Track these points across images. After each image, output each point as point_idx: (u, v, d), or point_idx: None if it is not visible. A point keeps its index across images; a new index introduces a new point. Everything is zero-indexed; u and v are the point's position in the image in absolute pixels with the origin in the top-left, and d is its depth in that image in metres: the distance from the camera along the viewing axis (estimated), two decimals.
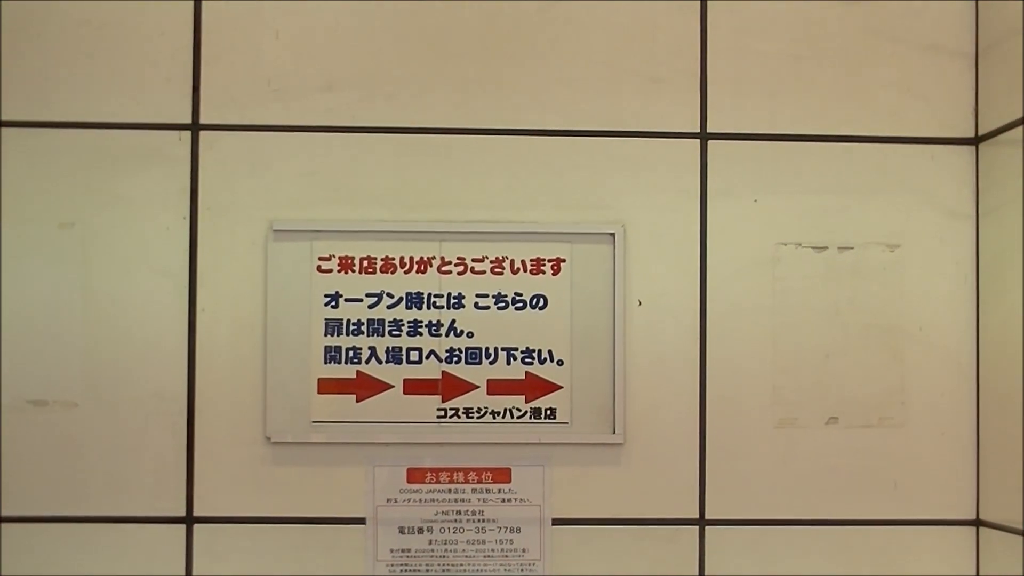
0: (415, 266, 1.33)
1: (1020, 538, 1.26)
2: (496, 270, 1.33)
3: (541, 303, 1.33)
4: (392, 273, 1.33)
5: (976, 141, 1.36)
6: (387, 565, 1.33)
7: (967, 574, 1.35)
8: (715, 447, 1.34)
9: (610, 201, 1.34)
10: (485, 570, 1.33)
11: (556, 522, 1.33)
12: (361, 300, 1.33)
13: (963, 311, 1.36)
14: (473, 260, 1.33)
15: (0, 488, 1.30)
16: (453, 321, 1.33)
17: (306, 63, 1.34)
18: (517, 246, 1.33)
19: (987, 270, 1.34)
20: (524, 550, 1.33)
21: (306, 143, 1.33)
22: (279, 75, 1.34)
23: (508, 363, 1.33)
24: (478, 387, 1.33)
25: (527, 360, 1.33)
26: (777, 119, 1.35)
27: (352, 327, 1.33)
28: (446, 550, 1.33)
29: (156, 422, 1.32)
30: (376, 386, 1.32)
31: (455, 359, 1.33)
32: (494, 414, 1.33)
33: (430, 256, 1.33)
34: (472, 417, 1.33)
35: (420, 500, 1.33)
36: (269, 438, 1.32)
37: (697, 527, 1.34)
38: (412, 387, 1.33)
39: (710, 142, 1.35)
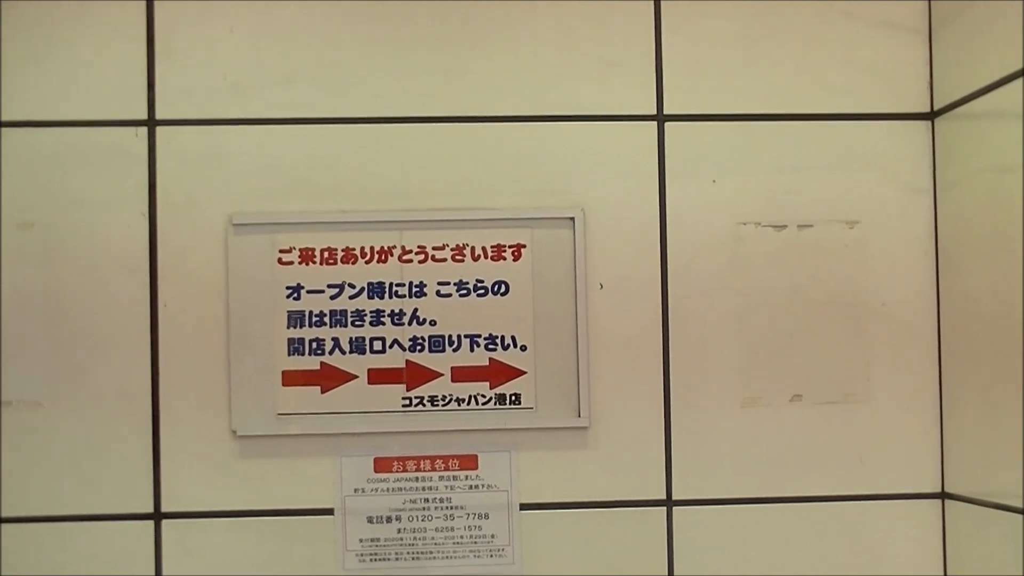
0: (376, 256, 1.33)
1: (985, 509, 1.26)
2: (457, 257, 1.34)
3: (503, 289, 1.34)
4: (353, 263, 1.33)
5: (932, 116, 1.37)
6: (357, 555, 1.33)
7: (934, 546, 1.36)
8: (680, 428, 1.34)
9: (569, 185, 1.34)
10: (455, 557, 1.34)
11: (524, 507, 1.34)
12: (323, 291, 1.33)
13: (924, 286, 1.36)
14: (434, 248, 1.33)
15: None
16: (415, 310, 1.33)
17: (262, 56, 1.34)
18: (477, 233, 1.33)
19: (947, 244, 1.35)
20: (493, 536, 1.34)
21: (264, 136, 1.33)
22: (235, 68, 1.33)
23: (472, 350, 1.33)
24: (442, 375, 1.33)
25: (491, 347, 1.33)
26: (734, 99, 1.35)
27: (315, 318, 1.33)
28: (415, 538, 1.33)
29: (121, 419, 1.31)
30: (340, 377, 1.33)
31: (419, 347, 1.33)
32: (459, 401, 1.33)
33: (391, 245, 1.33)
34: (437, 405, 1.33)
35: (388, 489, 1.33)
36: (235, 432, 1.32)
37: (665, 508, 1.34)
38: (376, 377, 1.33)
39: (667, 124, 1.35)
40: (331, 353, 1.32)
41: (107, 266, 1.32)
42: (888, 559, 1.35)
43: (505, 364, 1.33)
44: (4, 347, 1.31)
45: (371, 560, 1.33)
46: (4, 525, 1.31)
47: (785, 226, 1.35)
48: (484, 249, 1.33)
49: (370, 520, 1.33)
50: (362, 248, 1.33)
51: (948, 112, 1.33)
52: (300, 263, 1.33)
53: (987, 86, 1.24)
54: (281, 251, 1.32)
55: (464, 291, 1.33)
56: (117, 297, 1.32)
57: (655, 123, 1.35)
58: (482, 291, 1.33)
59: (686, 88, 1.35)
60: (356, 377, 1.32)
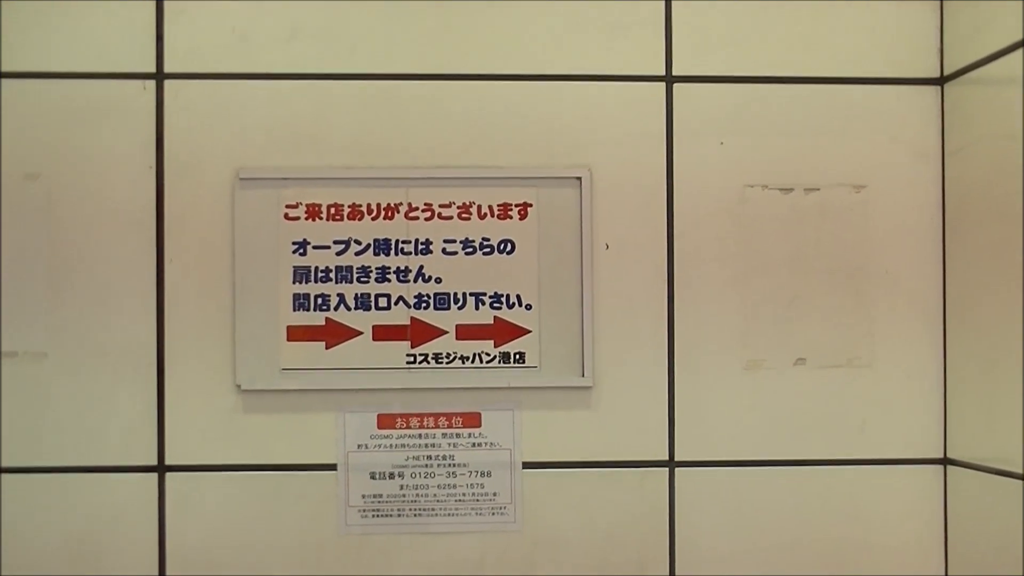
0: (382, 212, 1.33)
1: (987, 475, 1.27)
2: (463, 215, 1.33)
3: (508, 248, 1.33)
4: (359, 220, 1.33)
5: (941, 81, 1.36)
6: (359, 511, 1.33)
7: (935, 511, 1.36)
8: (684, 389, 1.34)
9: (576, 145, 1.34)
10: (456, 514, 1.34)
11: (526, 466, 1.34)
12: (329, 247, 1.33)
13: (930, 251, 1.36)
14: (440, 206, 1.33)
15: None
16: (421, 267, 1.33)
17: (270, 11, 1.33)
18: (484, 191, 1.33)
19: (953, 210, 1.34)
20: (495, 494, 1.34)
21: (272, 91, 1.33)
22: (243, 23, 1.33)
23: (476, 308, 1.33)
24: (447, 332, 1.33)
25: (495, 305, 1.33)
26: (743, 61, 1.35)
27: (320, 274, 1.33)
28: (417, 495, 1.34)
29: (126, 372, 1.32)
30: (345, 333, 1.33)
31: (424, 305, 1.33)
32: (463, 359, 1.33)
33: (397, 202, 1.33)
34: (441, 362, 1.33)
35: (391, 446, 1.34)
36: (239, 386, 1.32)
37: (667, 469, 1.35)
38: (381, 333, 1.33)
39: (675, 85, 1.35)
40: (336, 309, 1.33)
41: (113, 219, 1.32)
42: (889, 524, 1.36)
43: (510, 323, 1.33)
44: (10, 298, 1.31)
45: (373, 516, 1.33)
46: (7, 475, 1.31)
47: (792, 189, 1.35)
48: (491, 207, 1.33)
49: (372, 476, 1.34)
50: (368, 204, 1.33)
51: (958, 77, 1.33)
52: (306, 219, 1.33)
53: (997, 52, 1.23)
54: (287, 206, 1.32)
55: (470, 249, 1.33)
56: (123, 250, 1.32)
57: (663, 84, 1.35)
58: (488, 249, 1.33)
59: (695, 49, 1.35)
60: (361, 333, 1.33)
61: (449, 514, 1.34)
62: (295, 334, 1.32)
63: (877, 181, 1.35)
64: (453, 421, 1.34)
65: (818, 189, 1.35)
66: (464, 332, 1.33)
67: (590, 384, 1.33)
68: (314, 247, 1.33)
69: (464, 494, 1.34)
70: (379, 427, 1.34)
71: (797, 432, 1.35)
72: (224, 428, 1.32)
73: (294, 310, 1.32)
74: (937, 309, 1.36)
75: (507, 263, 1.33)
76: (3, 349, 1.31)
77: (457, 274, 1.33)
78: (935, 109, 1.36)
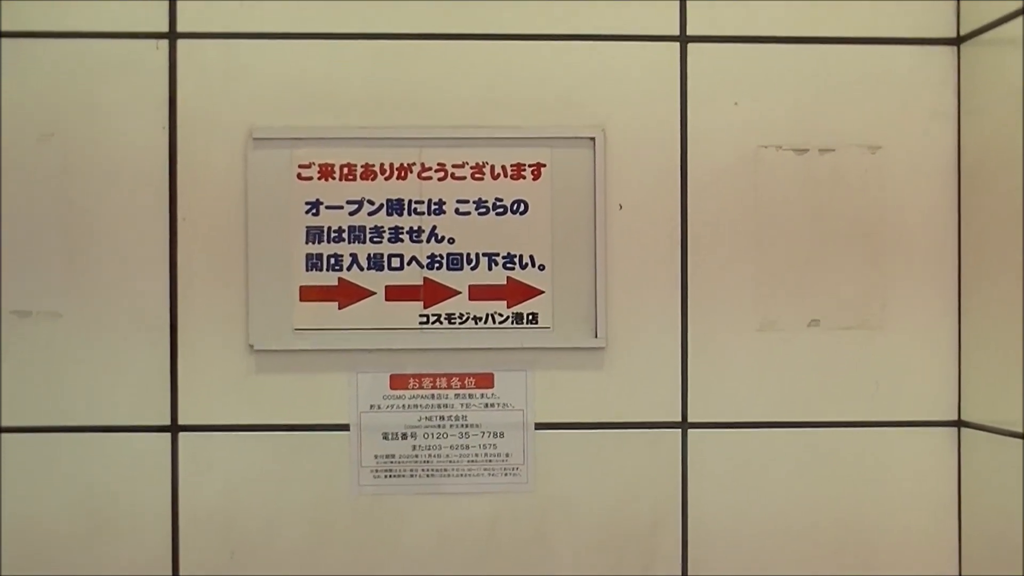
0: (395, 172, 1.33)
1: (1002, 438, 1.26)
2: (476, 176, 1.33)
3: (522, 208, 1.33)
4: (372, 180, 1.33)
5: (958, 41, 1.35)
6: (371, 471, 1.34)
7: (949, 474, 1.36)
8: (697, 351, 1.34)
9: (590, 105, 1.34)
10: (469, 475, 1.34)
11: (539, 426, 1.34)
12: (342, 207, 1.33)
13: (945, 212, 1.35)
14: (453, 166, 1.33)
15: None
16: (434, 227, 1.33)
17: None
18: (497, 151, 1.33)
19: (969, 171, 1.34)
20: (507, 455, 1.34)
21: (285, 50, 1.33)
22: None
23: (490, 268, 1.33)
24: (460, 293, 1.33)
25: (508, 265, 1.33)
26: (757, 21, 1.34)
27: (333, 234, 1.33)
28: (430, 455, 1.34)
29: (139, 331, 1.32)
30: (358, 293, 1.33)
31: (437, 265, 1.33)
32: (476, 320, 1.33)
33: (410, 162, 1.33)
34: (454, 323, 1.33)
35: (403, 406, 1.34)
36: (252, 346, 1.32)
37: (680, 430, 1.34)
38: (394, 294, 1.33)
39: (690, 45, 1.34)
40: (349, 269, 1.32)
41: (127, 179, 1.32)
42: (902, 486, 1.35)
43: (523, 283, 1.33)
44: (24, 258, 1.31)
45: (386, 476, 1.34)
46: (20, 435, 1.32)
47: (806, 150, 1.34)
48: (504, 168, 1.33)
49: (385, 437, 1.34)
50: (381, 164, 1.33)
51: (974, 37, 1.32)
52: (319, 178, 1.32)
53: (1014, 12, 1.22)
54: (300, 166, 1.32)
55: (483, 209, 1.33)
56: (136, 210, 1.32)
57: (678, 44, 1.34)
58: (501, 210, 1.33)
59: (710, 9, 1.34)
60: (373, 293, 1.33)
61: (462, 475, 1.34)
62: (308, 294, 1.32)
63: (893, 142, 1.35)
64: (466, 382, 1.34)
65: (833, 150, 1.34)
66: (477, 292, 1.33)
67: (603, 345, 1.33)
68: (327, 207, 1.33)
69: (477, 455, 1.34)
70: (392, 387, 1.34)
71: (810, 394, 1.35)
72: (237, 388, 1.33)
73: (307, 270, 1.32)
74: (952, 270, 1.35)
75: (520, 223, 1.33)
76: (17, 308, 1.31)
77: (470, 234, 1.33)
78: (951, 69, 1.35)
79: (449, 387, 1.34)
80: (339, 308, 1.32)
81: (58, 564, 1.31)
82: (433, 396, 1.34)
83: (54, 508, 1.31)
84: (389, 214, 1.33)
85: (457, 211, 1.33)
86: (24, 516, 1.31)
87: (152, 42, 1.32)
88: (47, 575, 1.31)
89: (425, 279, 1.33)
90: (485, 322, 1.33)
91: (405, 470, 1.34)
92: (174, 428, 1.32)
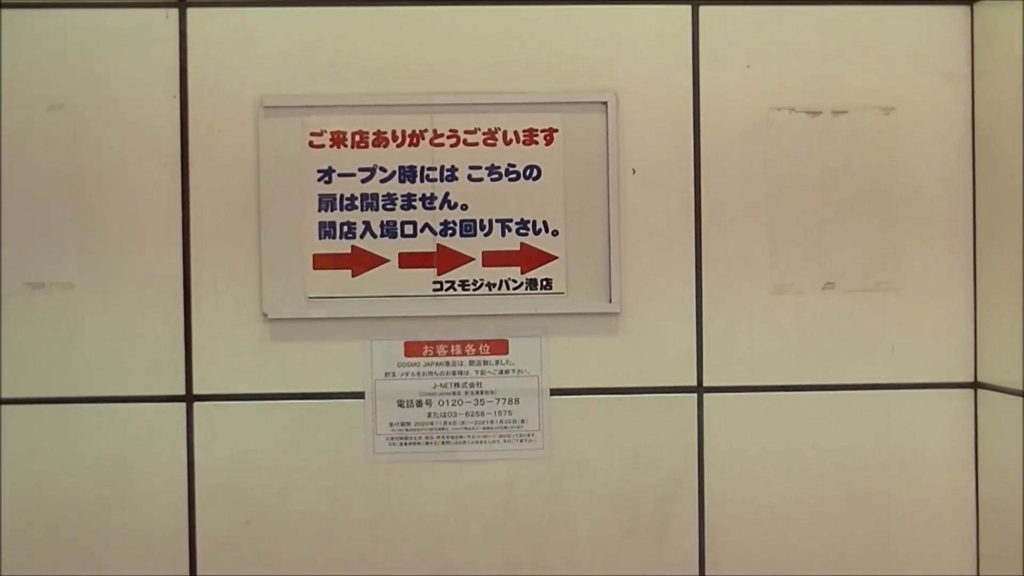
0: (407, 139, 1.32)
1: (1019, 399, 1.25)
2: (489, 142, 1.33)
3: (535, 174, 1.33)
4: (384, 147, 1.32)
5: (971, 1, 1.34)
6: (387, 439, 1.33)
7: (965, 436, 1.35)
8: (712, 315, 1.34)
9: (602, 70, 1.33)
10: (484, 441, 1.34)
11: (554, 392, 1.34)
12: (354, 175, 1.32)
13: (960, 174, 1.35)
14: (465, 132, 1.32)
15: (0, 371, 1.31)
16: (447, 194, 1.33)
17: None
18: (509, 117, 1.32)
19: (983, 132, 1.33)
20: (523, 421, 1.34)
21: (295, 18, 1.32)
22: None
23: (503, 235, 1.33)
24: (473, 259, 1.32)
25: (522, 231, 1.33)
26: None
27: (346, 202, 1.32)
28: (445, 422, 1.34)
29: (153, 301, 1.32)
30: (371, 260, 1.32)
31: (450, 232, 1.32)
32: (490, 286, 1.33)
33: (422, 129, 1.32)
34: (468, 289, 1.33)
35: (418, 373, 1.33)
36: (266, 315, 1.32)
37: (695, 395, 1.34)
38: (407, 261, 1.32)
39: (701, 7, 1.33)
40: (362, 237, 1.32)
41: (138, 149, 1.32)
42: (918, 449, 1.35)
43: (536, 249, 1.32)
44: (36, 230, 1.31)
45: (401, 444, 1.33)
46: (37, 405, 1.31)
47: (819, 112, 1.34)
48: (516, 133, 1.32)
49: (400, 404, 1.33)
50: (393, 131, 1.32)
51: None
52: (331, 146, 1.32)
53: None
54: (312, 134, 1.32)
55: (496, 175, 1.33)
56: (148, 180, 1.32)
57: (689, 6, 1.33)
58: (514, 175, 1.33)
59: None
60: (387, 261, 1.32)
61: (477, 441, 1.34)
62: (321, 262, 1.32)
63: (906, 103, 1.34)
64: (480, 348, 1.34)
65: (846, 112, 1.34)
66: (490, 259, 1.32)
67: (617, 310, 1.32)
68: (339, 175, 1.32)
69: (492, 421, 1.34)
70: (406, 355, 1.33)
71: (826, 357, 1.34)
72: (251, 357, 1.32)
73: (320, 238, 1.32)
74: (967, 231, 1.35)
75: (533, 189, 1.32)
76: (31, 280, 1.31)
77: (483, 200, 1.32)
78: (965, 30, 1.35)
79: (464, 354, 1.33)
80: (352, 276, 1.32)
81: (74, 534, 1.31)
82: (448, 363, 1.33)
83: (70, 479, 1.31)
84: (402, 181, 1.32)
85: (470, 177, 1.32)
86: (40, 487, 1.31)
87: (162, 11, 1.32)
88: (64, 544, 1.31)
89: (438, 246, 1.32)
90: (499, 288, 1.32)
91: (420, 437, 1.33)
92: (189, 398, 1.32)
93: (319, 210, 1.32)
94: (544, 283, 1.33)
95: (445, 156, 1.32)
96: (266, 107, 1.31)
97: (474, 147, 1.32)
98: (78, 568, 1.32)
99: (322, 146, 1.32)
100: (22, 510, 1.31)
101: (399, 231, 1.32)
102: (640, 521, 1.34)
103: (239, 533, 1.32)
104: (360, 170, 1.32)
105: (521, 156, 1.33)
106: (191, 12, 1.32)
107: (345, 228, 1.32)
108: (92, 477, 1.32)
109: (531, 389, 1.33)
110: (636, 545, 1.34)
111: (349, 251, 1.32)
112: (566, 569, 1.34)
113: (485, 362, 1.34)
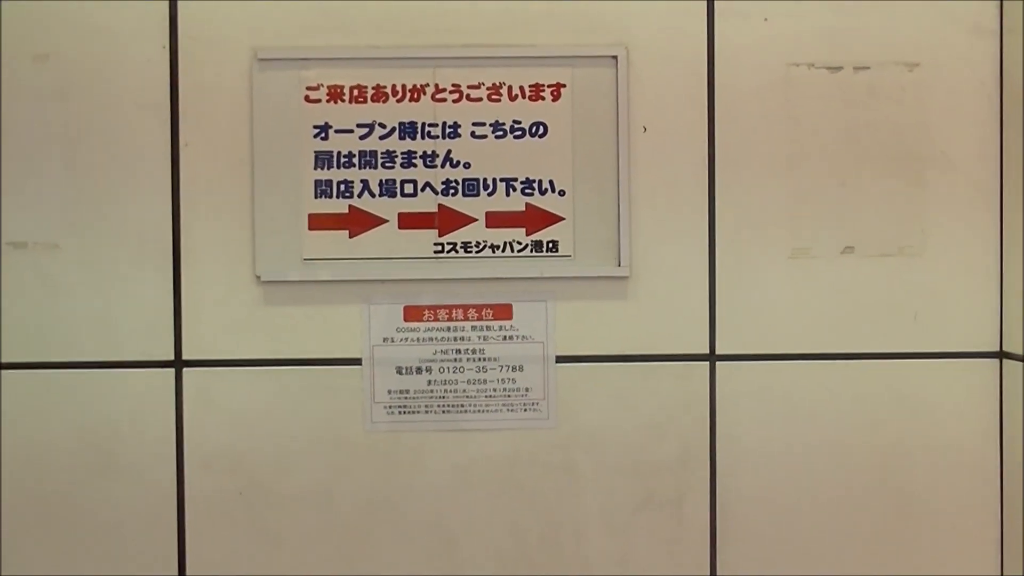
0: (408, 94, 1.27)
1: None
2: (493, 97, 1.27)
3: (541, 131, 1.27)
4: (384, 102, 1.27)
5: None
6: (385, 407, 1.28)
7: (990, 406, 1.30)
8: (725, 279, 1.28)
9: (612, 22, 1.27)
10: (487, 410, 1.28)
11: (560, 360, 1.28)
12: (352, 131, 1.26)
13: (987, 134, 1.29)
14: (469, 87, 1.27)
15: None
16: (449, 151, 1.27)
17: None
18: (515, 71, 1.27)
19: (1012, 89, 1.27)
20: (527, 389, 1.28)
21: None
22: None
23: (507, 194, 1.27)
24: (476, 220, 1.27)
25: (527, 191, 1.27)
26: None
27: (343, 159, 1.26)
28: (446, 390, 1.28)
29: (141, 263, 1.26)
30: (369, 221, 1.27)
31: (452, 191, 1.27)
32: (494, 248, 1.27)
33: (423, 83, 1.27)
34: (471, 251, 1.27)
35: (418, 339, 1.28)
36: (259, 277, 1.26)
37: (708, 363, 1.28)
38: (407, 221, 1.27)
39: None
40: (360, 196, 1.26)
41: (126, 102, 1.26)
42: (942, 419, 1.29)
43: (542, 209, 1.27)
44: (18, 186, 1.25)
45: (400, 413, 1.28)
46: (21, 371, 1.26)
47: (840, 68, 1.28)
48: (522, 88, 1.27)
49: (399, 371, 1.28)
50: (393, 86, 1.26)
51: None
52: (328, 101, 1.26)
53: None
54: (308, 88, 1.26)
55: (500, 132, 1.27)
56: (137, 135, 1.26)
57: None
58: (519, 132, 1.27)
59: None
60: (386, 221, 1.26)
61: (479, 410, 1.28)
62: (317, 222, 1.26)
63: (931, 59, 1.28)
64: (483, 313, 1.28)
65: (868, 68, 1.28)
66: (494, 220, 1.27)
67: (627, 274, 1.27)
68: (336, 131, 1.26)
69: (495, 389, 1.28)
70: (406, 319, 1.28)
71: (845, 324, 1.29)
72: (244, 321, 1.27)
73: (316, 197, 1.26)
74: (994, 194, 1.29)
75: (539, 147, 1.27)
76: (13, 240, 1.26)
77: (487, 158, 1.27)
78: None
79: (466, 319, 1.28)
80: (350, 237, 1.26)
81: (62, 502, 1.26)
82: (449, 328, 1.28)
83: (56, 446, 1.26)
84: (402, 138, 1.27)
85: (473, 134, 1.27)
86: (27, 453, 1.26)
87: None
88: (50, 512, 1.26)
89: (440, 206, 1.27)
90: (503, 250, 1.27)
91: (420, 406, 1.28)
92: (178, 363, 1.27)
93: (315, 168, 1.26)
94: (550, 245, 1.27)
95: (447, 112, 1.27)
96: (260, 59, 1.25)
97: (478, 102, 1.27)
98: (64, 537, 1.26)
99: (318, 101, 1.26)
100: (4, 478, 1.26)
101: (399, 190, 1.26)
102: (651, 494, 1.28)
103: (231, 503, 1.27)
104: (358, 126, 1.26)
105: (527, 112, 1.27)
106: None
107: (342, 187, 1.26)
108: (77, 445, 1.26)
109: (536, 356, 1.28)
110: (648, 518, 1.28)
111: (346, 211, 1.26)
112: (574, 543, 1.28)
113: (488, 328, 1.28)
